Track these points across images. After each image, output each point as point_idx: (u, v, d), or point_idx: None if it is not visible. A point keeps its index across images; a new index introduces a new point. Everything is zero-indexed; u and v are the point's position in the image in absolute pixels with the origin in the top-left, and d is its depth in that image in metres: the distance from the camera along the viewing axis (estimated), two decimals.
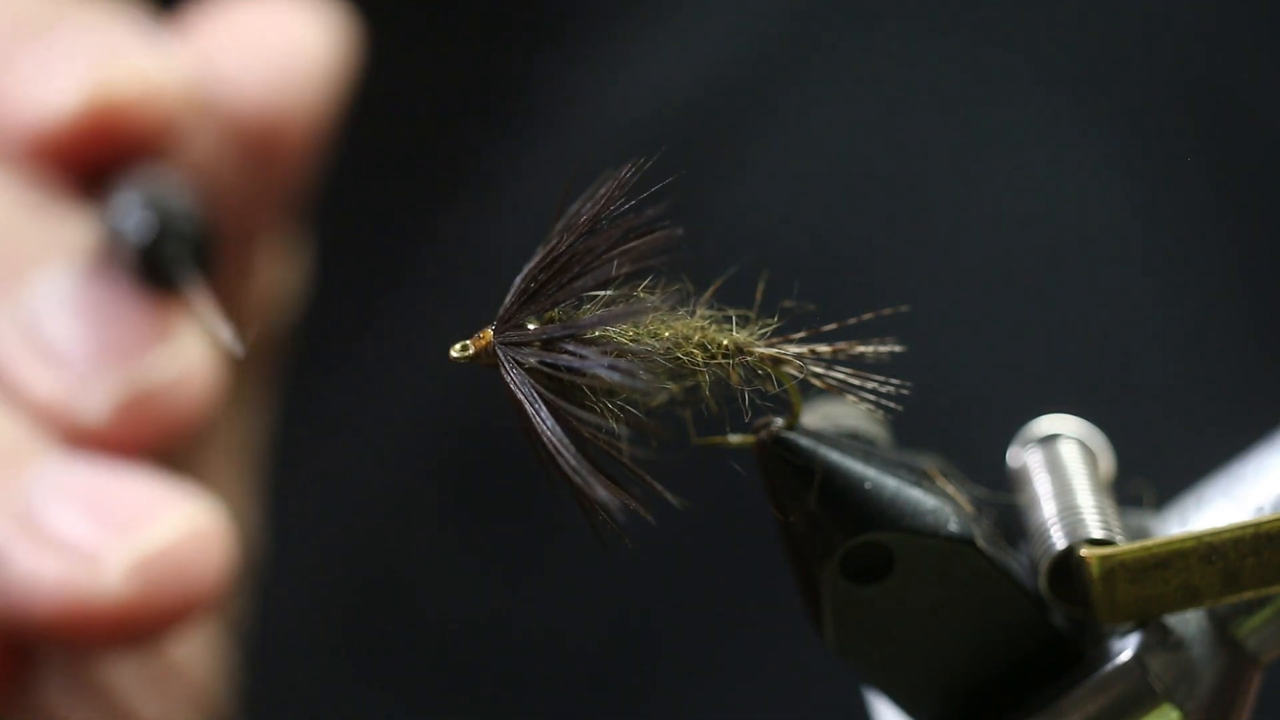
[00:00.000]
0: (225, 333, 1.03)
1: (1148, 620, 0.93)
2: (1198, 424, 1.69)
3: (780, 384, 0.92)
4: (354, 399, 1.77)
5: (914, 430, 0.97)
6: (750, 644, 1.74)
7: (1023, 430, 1.00)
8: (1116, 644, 0.93)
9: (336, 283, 1.68)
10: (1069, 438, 0.99)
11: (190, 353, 1.20)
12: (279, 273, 1.40)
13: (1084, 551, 0.92)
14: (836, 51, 1.66)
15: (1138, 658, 0.91)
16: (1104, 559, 0.91)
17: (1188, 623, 0.93)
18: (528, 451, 0.89)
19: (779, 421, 0.92)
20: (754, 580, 1.69)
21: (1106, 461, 0.99)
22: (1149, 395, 1.72)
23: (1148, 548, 0.91)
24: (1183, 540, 0.91)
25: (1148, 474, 0.98)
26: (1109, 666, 0.92)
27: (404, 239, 1.74)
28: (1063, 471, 0.97)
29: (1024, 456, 0.99)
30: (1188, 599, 0.92)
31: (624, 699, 1.76)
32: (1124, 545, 0.92)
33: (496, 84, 1.69)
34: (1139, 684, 0.91)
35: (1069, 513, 0.94)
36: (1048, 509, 0.95)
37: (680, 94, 1.66)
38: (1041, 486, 0.97)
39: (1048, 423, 1.00)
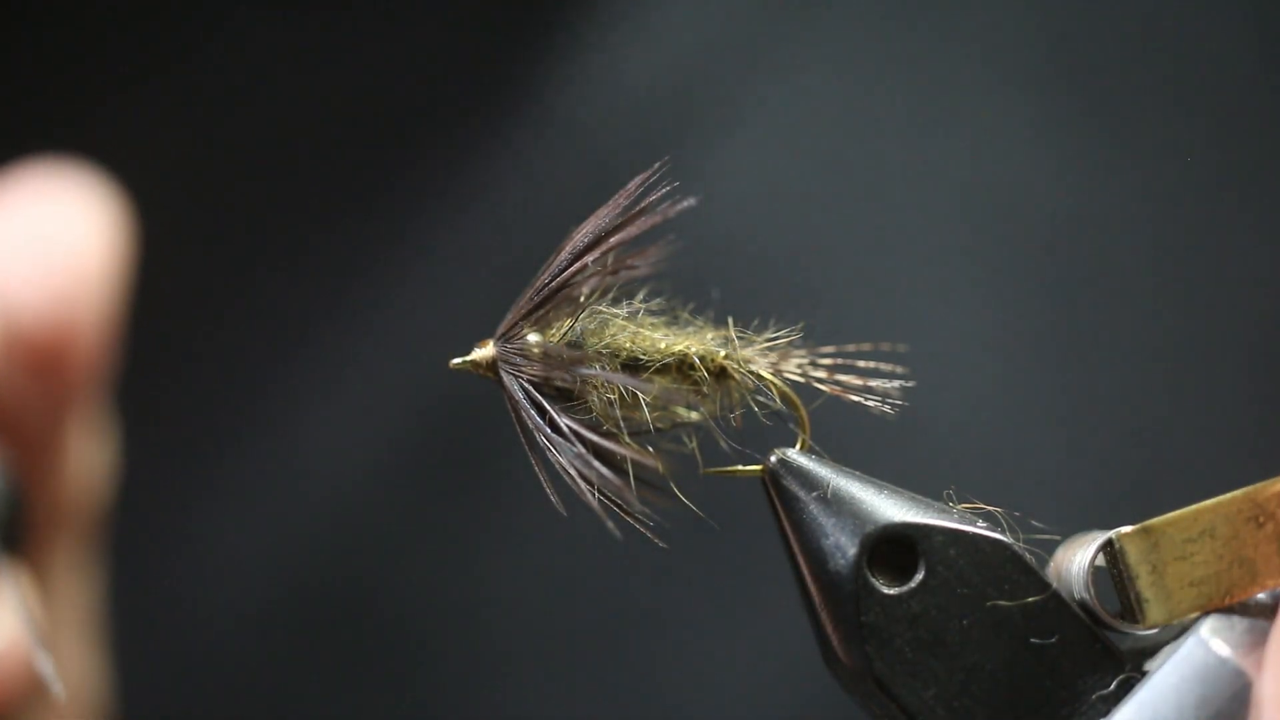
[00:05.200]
0: (45, 662, 0.98)
1: (1209, 610, 0.82)
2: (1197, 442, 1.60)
3: (782, 399, 0.90)
4: (319, 392, 1.67)
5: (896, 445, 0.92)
6: (727, 626, 1.61)
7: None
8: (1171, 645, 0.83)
9: (300, 279, 1.66)
10: None
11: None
12: (88, 457, 1.32)
13: (1120, 532, 0.84)
14: (803, 47, 1.65)
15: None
16: (1143, 533, 0.83)
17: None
18: (491, 443, 0.88)
19: (790, 451, 0.89)
20: (729, 564, 1.59)
21: None
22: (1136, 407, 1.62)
23: (1186, 512, 0.83)
24: (1226, 501, 0.83)
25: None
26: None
27: (372, 236, 1.69)
28: None
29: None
30: (1245, 577, 0.82)
31: (596, 685, 1.63)
32: (1160, 516, 0.84)
33: (456, 84, 1.68)
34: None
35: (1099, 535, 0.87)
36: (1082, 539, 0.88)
37: (642, 94, 1.64)
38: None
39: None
